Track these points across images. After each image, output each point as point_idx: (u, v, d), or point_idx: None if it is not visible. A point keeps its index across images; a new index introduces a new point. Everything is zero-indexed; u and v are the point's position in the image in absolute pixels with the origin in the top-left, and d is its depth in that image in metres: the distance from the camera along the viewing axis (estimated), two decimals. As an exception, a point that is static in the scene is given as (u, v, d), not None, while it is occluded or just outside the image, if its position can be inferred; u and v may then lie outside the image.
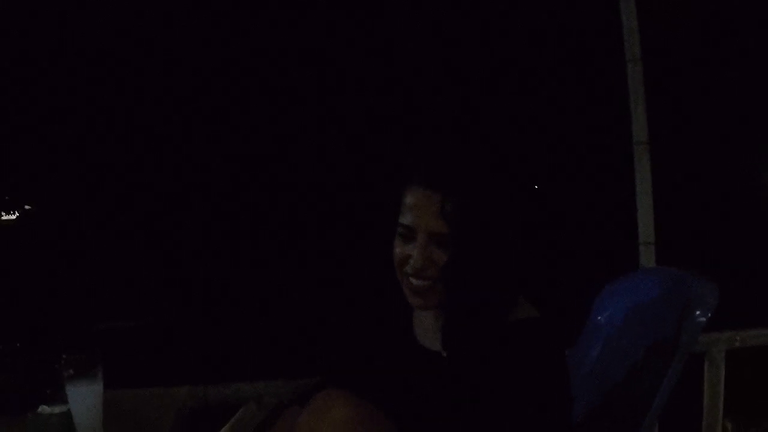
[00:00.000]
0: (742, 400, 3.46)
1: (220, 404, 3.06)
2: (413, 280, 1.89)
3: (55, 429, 2.04)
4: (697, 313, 2.10)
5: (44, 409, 2.08)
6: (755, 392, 3.75)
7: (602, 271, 2.44)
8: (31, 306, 11.08)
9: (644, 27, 3.16)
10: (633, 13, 3.16)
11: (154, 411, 2.20)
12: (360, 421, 1.91)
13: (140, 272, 14.69)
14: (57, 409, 2.05)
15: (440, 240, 1.84)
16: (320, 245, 14.62)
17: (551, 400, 1.81)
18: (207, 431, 3.06)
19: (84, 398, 1.92)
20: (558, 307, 2.17)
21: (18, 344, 2.28)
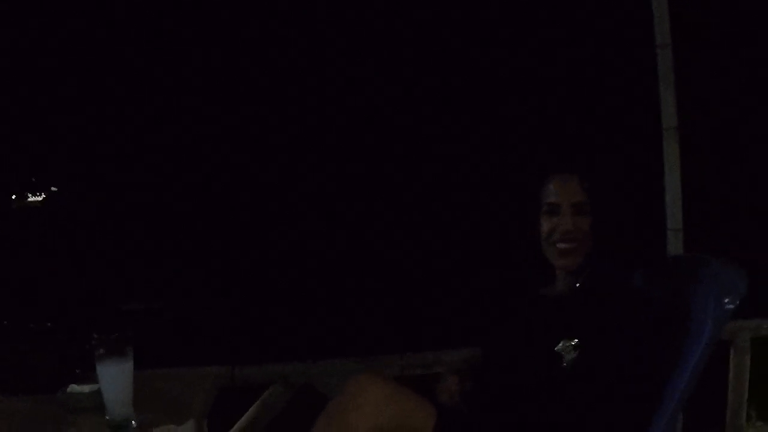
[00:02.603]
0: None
1: (248, 384, 3.09)
2: (561, 244, 2.35)
3: (85, 408, 2.06)
4: (725, 300, 2.10)
5: (74, 388, 2.10)
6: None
7: (631, 257, 2.46)
8: (60, 287, 11.14)
9: (674, 12, 3.14)
10: (662, -1, 3.14)
11: (183, 391, 2.22)
12: (393, 403, 2.02)
13: (168, 252, 14.72)
14: (87, 388, 2.08)
15: (581, 208, 2.34)
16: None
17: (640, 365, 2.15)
18: (235, 411, 3.09)
19: (114, 378, 1.93)
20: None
21: (48, 324, 2.31)
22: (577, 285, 2.36)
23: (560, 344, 2.18)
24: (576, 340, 2.17)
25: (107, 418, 1.94)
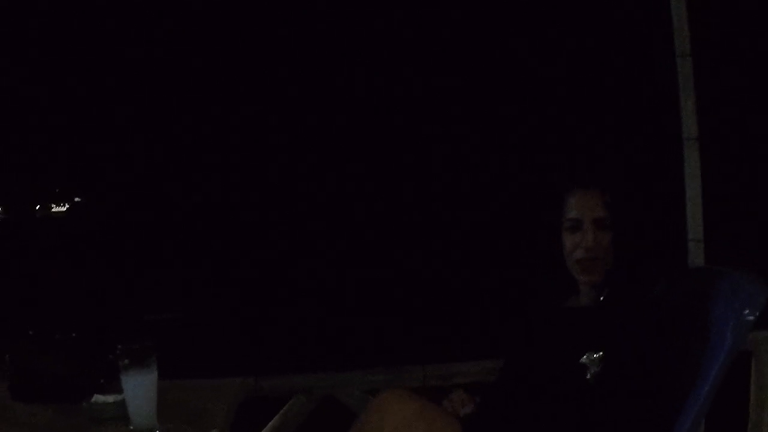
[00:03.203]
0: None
1: (272, 395, 3.10)
2: (584, 261, 2.36)
3: (109, 418, 2.07)
4: (746, 312, 2.10)
5: (98, 398, 2.12)
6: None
7: (652, 269, 2.46)
8: (84, 296, 11.22)
9: (694, 21, 3.13)
10: (682, 8, 3.13)
11: (206, 401, 2.23)
12: (422, 421, 2.02)
13: (193, 263, 14.81)
14: (111, 398, 2.09)
15: (602, 224, 2.34)
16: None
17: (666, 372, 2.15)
18: (259, 422, 3.11)
19: (138, 388, 1.95)
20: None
21: (73, 335, 2.33)
22: (601, 298, 2.35)
23: (585, 357, 2.18)
24: (601, 353, 2.17)
25: (131, 428, 1.96)
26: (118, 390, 2.00)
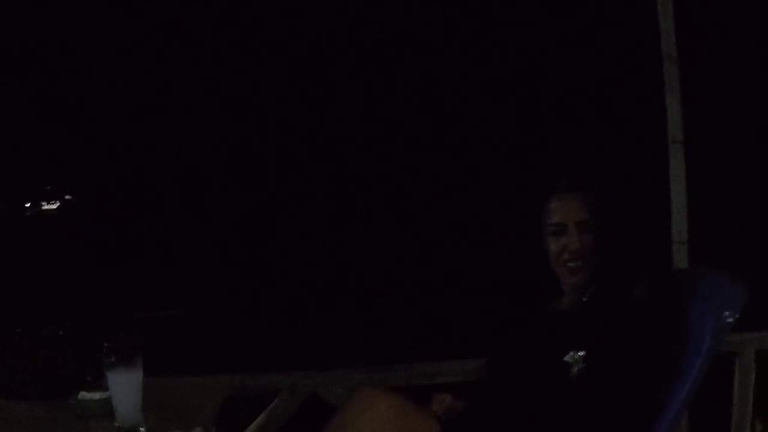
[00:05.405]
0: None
1: (257, 393, 3.11)
2: (571, 264, 2.37)
3: (95, 415, 2.08)
4: (726, 314, 2.12)
5: (84, 395, 2.13)
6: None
7: (635, 270, 2.48)
8: (72, 294, 11.18)
9: (680, 26, 3.15)
10: (669, 12, 3.16)
11: (192, 399, 2.24)
12: (398, 418, 2.02)
13: (179, 261, 14.75)
14: (97, 396, 2.10)
15: (586, 226, 2.37)
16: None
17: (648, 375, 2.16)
18: (244, 419, 3.12)
19: (124, 385, 1.95)
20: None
21: (60, 332, 2.34)
22: (584, 299, 2.38)
23: (569, 355, 2.21)
24: (584, 352, 2.19)
25: (117, 425, 1.97)
26: (104, 387, 2.01)
